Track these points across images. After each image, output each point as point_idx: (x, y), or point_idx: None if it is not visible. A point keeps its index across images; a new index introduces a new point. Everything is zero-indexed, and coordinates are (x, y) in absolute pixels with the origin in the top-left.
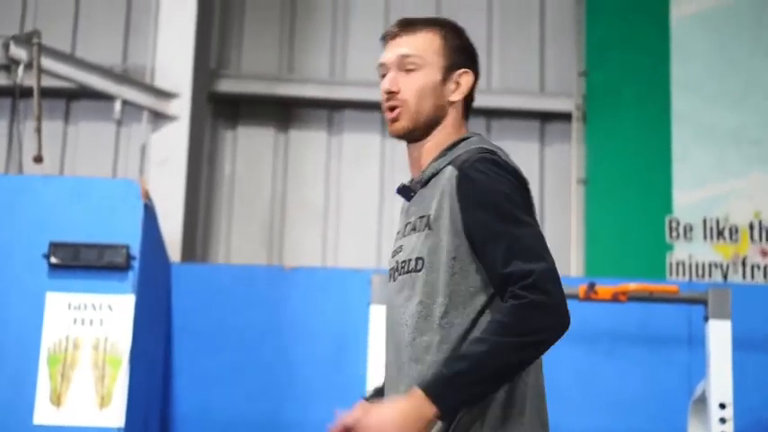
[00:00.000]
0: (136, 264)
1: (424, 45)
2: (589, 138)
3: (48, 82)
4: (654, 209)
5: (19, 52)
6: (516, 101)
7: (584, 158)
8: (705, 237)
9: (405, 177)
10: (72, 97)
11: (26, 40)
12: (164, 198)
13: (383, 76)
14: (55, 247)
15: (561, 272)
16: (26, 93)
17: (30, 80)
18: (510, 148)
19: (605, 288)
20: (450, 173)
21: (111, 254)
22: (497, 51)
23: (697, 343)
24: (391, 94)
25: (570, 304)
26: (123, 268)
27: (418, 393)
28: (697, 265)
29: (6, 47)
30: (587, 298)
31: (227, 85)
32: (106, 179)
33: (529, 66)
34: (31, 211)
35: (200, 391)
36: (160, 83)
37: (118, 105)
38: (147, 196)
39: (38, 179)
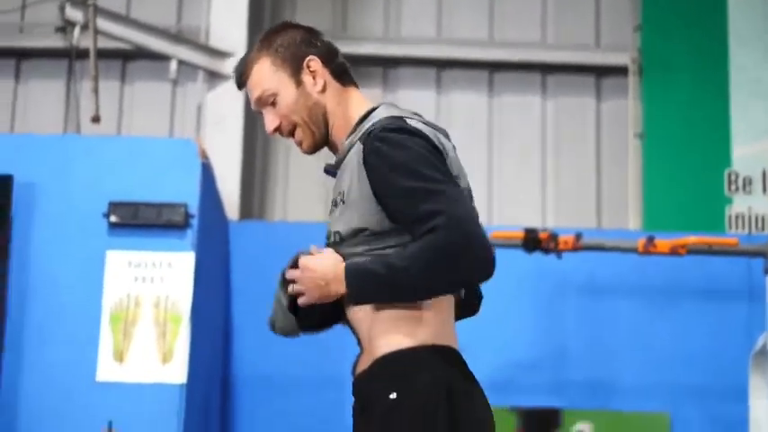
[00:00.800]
0: (194, 222)
1: (261, 76)
2: (645, 92)
3: (104, 43)
4: (712, 162)
5: (75, 14)
6: (572, 56)
7: (641, 113)
8: (765, 189)
9: (459, 134)
10: (128, 58)
11: (82, 1)
12: (220, 157)
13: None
14: (114, 207)
15: (619, 226)
16: (82, 54)
17: (86, 41)
18: (566, 104)
19: (664, 242)
20: (357, 147)
21: (170, 212)
22: (552, 6)
23: (757, 296)
24: (277, 129)
25: (629, 258)
26: (182, 226)
27: (341, 272)
28: (756, 218)
29: (62, 9)
30: (646, 252)
31: None
32: (164, 139)
33: (584, 20)
34: (90, 172)
35: (260, 349)
36: (215, 42)
37: (173, 65)
38: (204, 155)
39: (96, 139)
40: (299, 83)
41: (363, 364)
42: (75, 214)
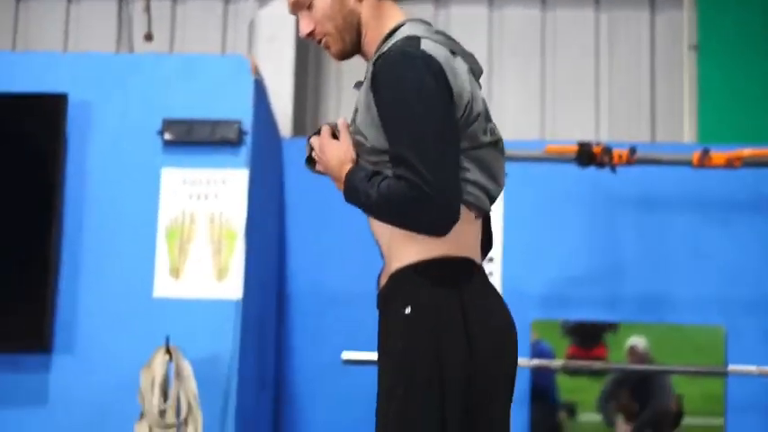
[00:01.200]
0: (248, 139)
1: None
2: (700, 3)
3: None
4: None
5: None
6: None
7: (696, 24)
8: None
9: (512, 50)
10: None
11: None
12: (273, 74)
13: (298, 22)
14: (168, 124)
15: (674, 138)
16: None
17: None
18: (620, 17)
19: (719, 154)
20: (370, 68)
21: (224, 129)
22: None
23: None
24: (310, 35)
25: (684, 171)
26: (235, 143)
27: (343, 175)
28: None
29: None
30: (701, 165)
31: None
32: (216, 56)
33: None
34: (144, 89)
35: (314, 264)
36: None
37: None
38: (256, 72)
39: (149, 57)
40: None
41: (384, 278)
42: (130, 132)
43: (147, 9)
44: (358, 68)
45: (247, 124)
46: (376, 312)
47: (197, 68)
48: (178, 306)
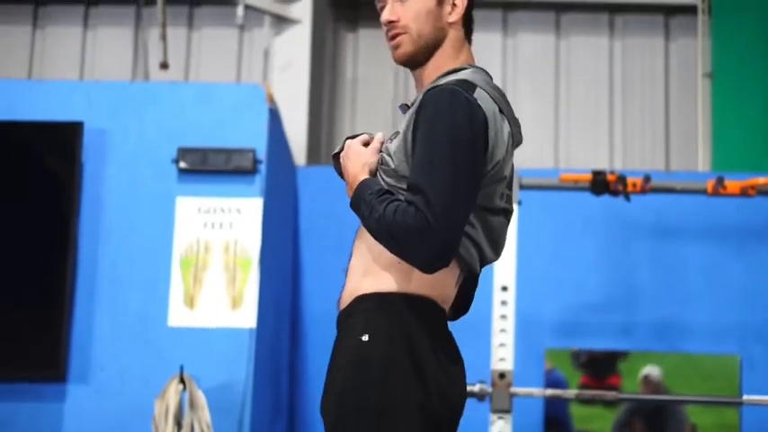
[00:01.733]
0: (263, 167)
1: None
2: (715, 31)
3: None
4: None
5: None
6: None
7: (710, 52)
8: None
9: (526, 77)
10: (195, 3)
11: None
12: (288, 102)
13: (382, 9)
14: (183, 153)
15: (688, 167)
16: (150, 0)
17: None
18: (634, 44)
19: (734, 183)
20: (420, 98)
21: (239, 158)
22: None
23: None
24: (391, 23)
25: (699, 199)
26: (250, 172)
27: (356, 183)
28: None
29: None
30: (716, 193)
31: None
32: (231, 84)
33: None
34: (159, 118)
35: (328, 292)
36: None
37: (240, 10)
38: (271, 100)
39: (164, 85)
40: (440, 2)
41: (347, 299)
42: (145, 161)
43: (163, 37)
44: (373, 99)
45: (262, 153)
46: None
47: (212, 97)
48: (192, 335)
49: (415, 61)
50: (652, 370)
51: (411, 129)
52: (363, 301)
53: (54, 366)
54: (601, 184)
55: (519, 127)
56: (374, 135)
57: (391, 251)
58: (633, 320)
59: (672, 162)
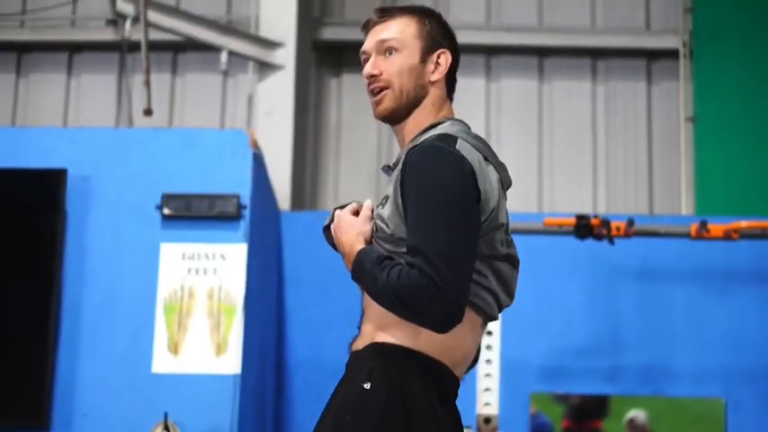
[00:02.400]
0: (247, 213)
1: (401, 29)
2: (697, 75)
3: (154, 35)
4: (765, 144)
5: (126, 7)
6: (621, 40)
7: (693, 96)
8: None
9: (510, 121)
10: (178, 50)
11: None
12: (272, 147)
13: (365, 61)
14: (167, 199)
15: (672, 211)
16: (133, 47)
17: (137, 34)
18: (616, 89)
19: (717, 226)
20: (403, 159)
21: (223, 204)
22: None
23: None
24: (373, 77)
25: (682, 243)
26: (234, 217)
27: (353, 254)
28: None
29: (114, 2)
30: (699, 236)
31: (330, 33)
32: (215, 130)
33: (634, 3)
34: (143, 164)
35: (313, 337)
36: (265, 33)
37: (224, 56)
38: (255, 145)
39: (148, 132)
40: (423, 60)
41: (361, 343)
42: (129, 207)
43: (147, 83)
44: (357, 144)
45: (246, 198)
46: None
47: (196, 142)
48: (177, 381)
49: (396, 117)
50: (638, 414)
51: (398, 191)
52: (377, 348)
53: (37, 414)
54: (585, 228)
55: (506, 170)
56: (362, 203)
57: (401, 317)
58: (618, 364)
59: (655, 206)
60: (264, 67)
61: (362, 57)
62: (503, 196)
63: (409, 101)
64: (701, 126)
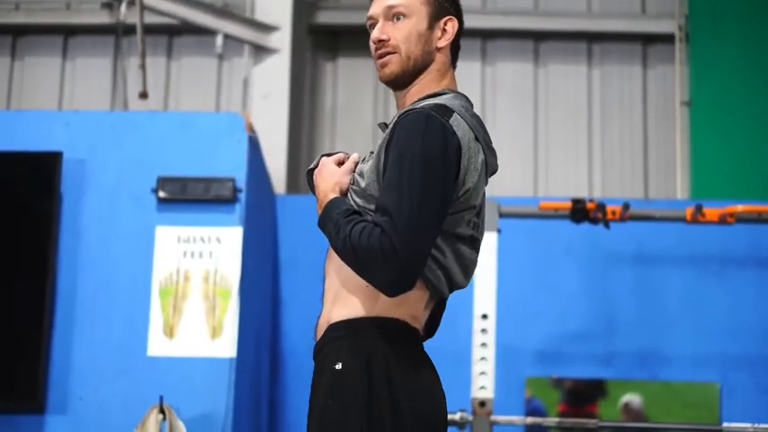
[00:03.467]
0: (242, 196)
1: None
2: (693, 59)
3: (150, 18)
4: (761, 128)
5: None
6: (617, 24)
7: (688, 80)
8: None
9: (505, 105)
10: (174, 33)
11: None
12: (267, 131)
13: (371, 27)
14: (163, 182)
15: (667, 195)
16: (129, 30)
17: (132, 17)
18: (612, 73)
19: (713, 210)
20: (397, 119)
21: (218, 187)
22: None
23: None
24: (381, 42)
25: (678, 227)
26: (230, 201)
27: (326, 200)
28: None
29: None
30: (694, 221)
31: (326, 17)
32: (211, 113)
33: None
34: (138, 147)
35: (309, 321)
36: (260, 16)
37: (219, 40)
38: (251, 129)
39: (144, 115)
40: (431, 26)
41: (321, 328)
42: (124, 190)
43: (142, 67)
44: (352, 127)
45: (242, 182)
46: None
47: (192, 126)
48: (172, 365)
49: (401, 82)
50: (632, 398)
51: (384, 149)
52: (335, 329)
53: (32, 397)
54: (580, 212)
55: (495, 156)
56: (350, 155)
57: (356, 272)
58: (614, 348)
59: (651, 190)
60: (260, 51)
61: (369, 22)
62: (483, 179)
63: (416, 66)
64: (696, 110)
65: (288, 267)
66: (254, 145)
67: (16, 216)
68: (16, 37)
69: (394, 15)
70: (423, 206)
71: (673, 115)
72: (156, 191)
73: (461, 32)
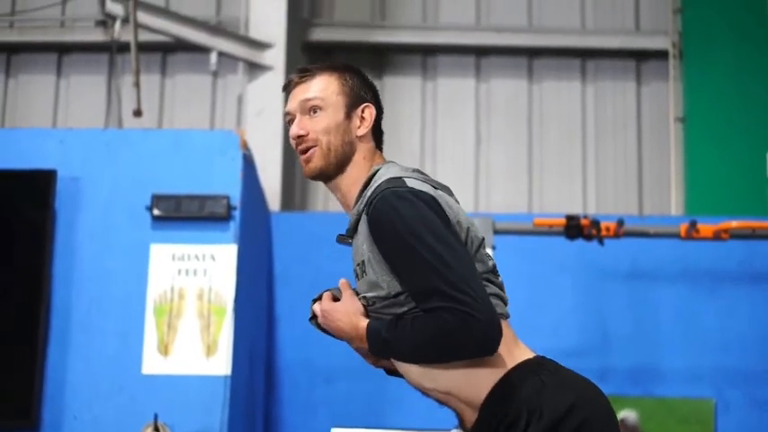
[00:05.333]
0: (237, 214)
1: (323, 87)
2: (686, 75)
3: (144, 36)
4: (754, 145)
5: (115, 7)
6: (611, 41)
7: (682, 96)
8: None
9: (500, 121)
10: (168, 50)
11: None
12: (262, 148)
13: (290, 123)
14: (157, 200)
15: (662, 211)
16: (123, 48)
17: (126, 35)
18: (606, 89)
19: (707, 226)
20: (363, 219)
21: (213, 204)
22: None
23: None
24: (300, 137)
25: (672, 243)
26: (224, 218)
27: (363, 329)
28: None
29: (103, 3)
30: (689, 237)
31: (320, 34)
32: (205, 131)
33: (623, 4)
34: (133, 165)
35: (303, 338)
36: (254, 34)
37: (213, 57)
38: (245, 146)
39: (138, 132)
40: (348, 116)
41: (469, 414)
42: (119, 208)
43: (137, 84)
44: None
45: (236, 199)
46: (365, 386)
47: (186, 143)
48: (166, 383)
49: (326, 175)
50: (628, 414)
51: (374, 252)
52: (492, 398)
53: (26, 415)
54: (575, 228)
55: (452, 193)
56: (332, 289)
57: (448, 359)
58: (608, 364)
59: (645, 206)
60: (254, 68)
61: (287, 118)
62: (459, 208)
63: (338, 158)
64: (690, 126)
65: (282, 284)
66: (248, 162)
67: (11, 233)
68: (10, 55)
69: (310, 109)
70: (454, 263)
71: (667, 131)
72: (150, 208)
73: (381, 117)
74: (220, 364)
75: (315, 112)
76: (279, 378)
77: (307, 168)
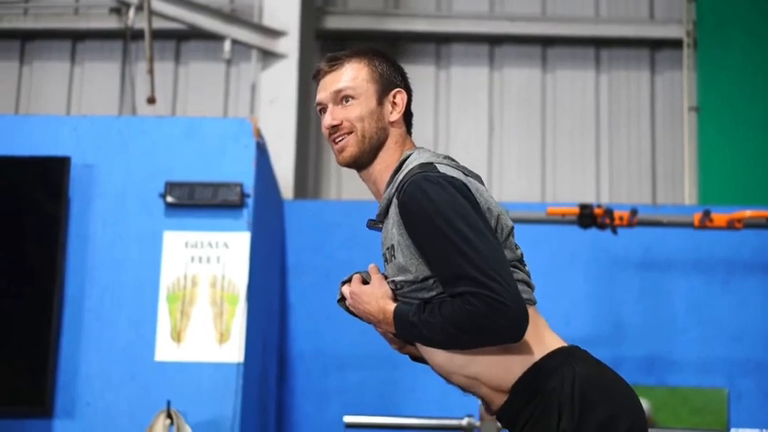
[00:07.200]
0: (250, 201)
1: (354, 75)
2: (700, 64)
3: (158, 24)
4: None
5: None
6: (625, 29)
7: (696, 85)
8: None
9: (513, 110)
10: (182, 38)
11: None
12: (275, 136)
13: (321, 112)
14: (171, 187)
15: (675, 201)
16: (137, 35)
17: (140, 23)
18: (620, 78)
19: (721, 216)
20: (394, 203)
21: (226, 192)
22: None
23: None
24: (334, 127)
25: (685, 233)
26: (238, 206)
27: (391, 312)
28: None
29: None
30: (702, 226)
31: (333, 22)
32: (218, 118)
33: None
34: (146, 152)
35: (316, 326)
36: (268, 21)
37: (227, 45)
38: (259, 134)
39: (152, 120)
40: (380, 102)
41: (498, 399)
42: (132, 195)
43: (151, 72)
44: None
45: (249, 187)
46: (378, 375)
47: (199, 131)
48: (179, 370)
49: (360, 162)
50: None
51: (403, 236)
52: (521, 386)
53: (40, 402)
54: (588, 217)
55: (482, 181)
56: (361, 272)
57: (474, 344)
58: (621, 354)
59: (658, 195)
60: (268, 56)
61: (318, 108)
62: (489, 195)
63: (372, 145)
64: (704, 115)
65: (295, 272)
66: (261, 150)
67: (24, 220)
68: (25, 42)
69: (342, 98)
70: (483, 249)
71: (681, 121)
72: (163, 196)
73: (410, 100)
74: (233, 351)
75: (347, 101)
76: (291, 366)
77: (341, 157)
